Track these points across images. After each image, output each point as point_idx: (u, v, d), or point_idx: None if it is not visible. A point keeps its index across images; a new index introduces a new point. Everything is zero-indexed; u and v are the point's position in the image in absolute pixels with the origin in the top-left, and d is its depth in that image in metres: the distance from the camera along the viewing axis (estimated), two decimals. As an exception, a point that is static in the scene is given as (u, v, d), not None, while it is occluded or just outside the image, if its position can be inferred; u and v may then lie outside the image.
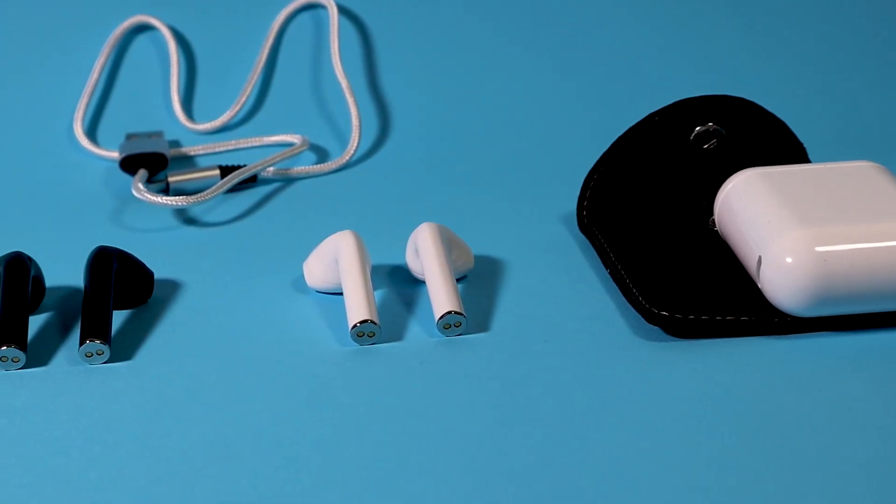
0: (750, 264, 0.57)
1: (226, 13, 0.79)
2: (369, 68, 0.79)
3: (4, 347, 0.55)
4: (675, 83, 0.77)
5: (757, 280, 0.57)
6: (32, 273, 0.59)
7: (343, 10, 0.79)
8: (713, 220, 0.62)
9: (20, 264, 0.58)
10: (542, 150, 0.75)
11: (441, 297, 0.57)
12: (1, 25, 0.77)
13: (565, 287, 0.61)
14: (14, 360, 0.55)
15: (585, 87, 0.78)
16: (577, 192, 0.66)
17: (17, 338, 0.55)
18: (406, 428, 0.51)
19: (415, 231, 0.61)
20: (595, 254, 0.64)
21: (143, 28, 0.79)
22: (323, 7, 0.79)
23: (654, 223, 0.63)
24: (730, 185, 0.61)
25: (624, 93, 0.77)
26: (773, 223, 0.56)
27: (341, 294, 0.59)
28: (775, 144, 0.65)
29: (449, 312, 0.56)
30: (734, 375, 0.54)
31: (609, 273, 0.61)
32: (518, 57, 0.79)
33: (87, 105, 0.76)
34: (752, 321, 0.56)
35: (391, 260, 0.63)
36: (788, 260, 0.55)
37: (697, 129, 0.65)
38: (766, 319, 0.56)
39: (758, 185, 0.60)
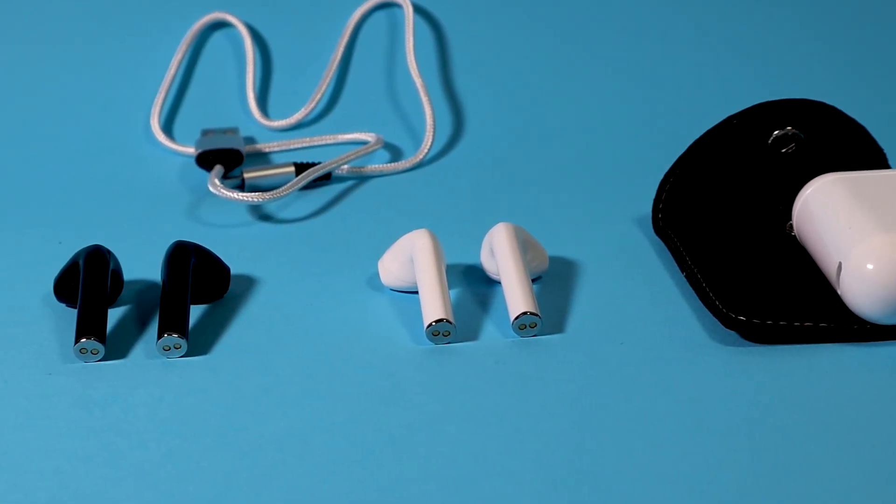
0: (829, 270, 0.57)
1: (302, 11, 0.79)
2: (443, 67, 0.79)
3: (84, 339, 0.55)
4: (754, 86, 0.77)
5: (836, 286, 0.56)
6: (111, 266, 0.59)
7: (418, 9, 0.79)
8: (791, 224, 0.62)
9: (100, 257, 0.59)
10: (618, 152, 0.75)
11: (517, 297, 0.57)
12: (80, 21, 0.78)
13: (640, 290, 0.61)
14: (93, 352, 0.55)
15: (663, 89, 0.78)
16: (653, 195, 0.66)
17: (96, 330, 0.56)
18: (481, 428, 0.51)
19: (490, 231, 0.61)
20: (670, 257, 0.63)
21: (219, 25, 0.79)
22: (398, 6, 0.80)
23: (730, 227, 0.63)
24: (809, 190, 0.61)
25: (702, 95, 0.77)
26: (853, 229, 0.56)
27: (416, 293, 0.59)
28: (855, 149, 0.64)
29: (525, 313, 0.56)
30: (812, 382, 0.53)
31: (685, 276, 0.60)
32: (594, 57, 0.79)
33: (164, 101, 0.77)
34: (831, 328, 0.55)
35: (465, 259, 0.63)
36: (869, 266, 0.54)
37: (776, 132, 0.64)
38: (846, 326, 0.55)
39: (837, 191, 0.59)
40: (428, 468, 0.48)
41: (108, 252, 0.60)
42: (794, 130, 0.64)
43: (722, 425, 0.51)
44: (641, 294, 0.60)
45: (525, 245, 0.60)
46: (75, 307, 0.59)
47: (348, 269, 0.63)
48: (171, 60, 0.78)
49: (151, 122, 0.76)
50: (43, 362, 0.55)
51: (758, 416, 0.51)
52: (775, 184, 0.64)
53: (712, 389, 0.53)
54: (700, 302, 0.59)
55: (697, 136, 0.65)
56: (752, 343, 0.56)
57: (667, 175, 0.66)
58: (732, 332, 0.56)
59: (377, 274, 0.61)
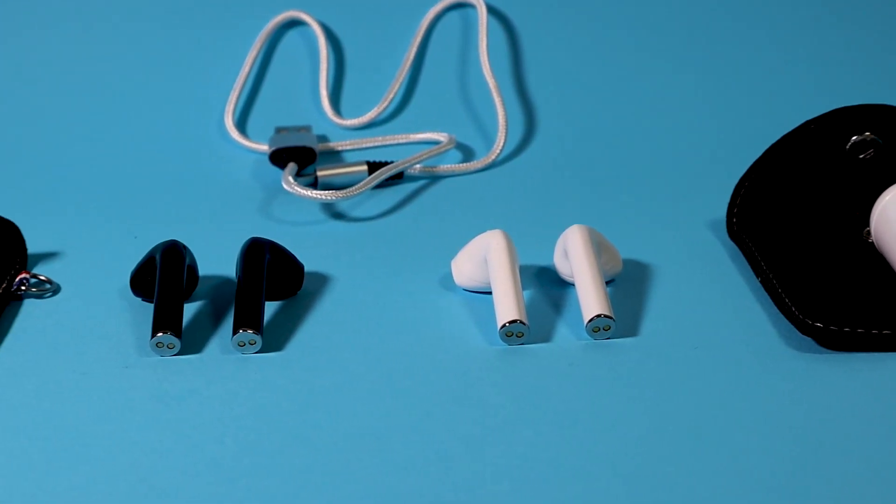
0: (908, 278, 0.56)
1: (375, 10, 0.80)
2: (516, 68, 0.79)
3: (161, 334, 0.56)
4: (833, 90, 0.76)
5: (915, 294, 0.56)
6: (187, 261, 0.60)
7: (492, 10, 0.79)
8: (868, 230, 0.61)
9: (176, 253, 0.60)
10: (692, 155, 0.74)
11: (591, 299, 0.57)
12: (156, 19, 0.79)
13: (715, 294, 0.60)
14: (169, 346, 0.56)
15: (739, 91, 0.77)
16: (727, 199, 0.66)
17: (172, 325, 0.56)
18: (555, 430, 0.51)
19: (564, 233, 0.61)
20: (744, 261, 0.63)
21: (294, 23, 0.80)
22: (472, 6, 0.80)
23: (806, 232, 0.62)
24: (888, 197, 0.60)
25: (779, 98, 0.76)
26: (933, 237, 0.55)
27: (489, 293, 0.59)
28: (935, 156, 0.63)
29: (599, 315, 0.56)
30: (889, 391, 0.52)
31: (760, 282, 0.60)
32: (670, 57, 0.78)
33: (238, 98, 0.77)
34: (910, 336, 0.55)
35: (537, 260, 0.63)
36: (950, 275, 0.54)
37: (854, 138, 0.64)
38: (925, 335, 0.55)
39: (917, 198, 0.59)
40: (502, 469, 0.48)
41: (185, 247, 0.60)
42: (872, 136, 0.63)
43: (796, 432, 0.50)
44: (715, 299, 0.60)
45: (599, 247, 0.60)
46: (151, 301, 0.59)
47: (421, 269, 0.63)
48: (246, 58, 0.78)
49: (226, 119, 0.77)
50: (120, 356, 0.56)
51: (833, 424, 0.51)
52: (853, 189, 0.63)
53: (787, 396, 0.52)
54: (775, 308, 0.58)
55: (774, 140, 0.65)
56: (828, 350, 0.55)
57: (742, 179, 0.65)
58: (808, 339, 0.56)
59: (450, 274, 0.61)
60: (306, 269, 0.62)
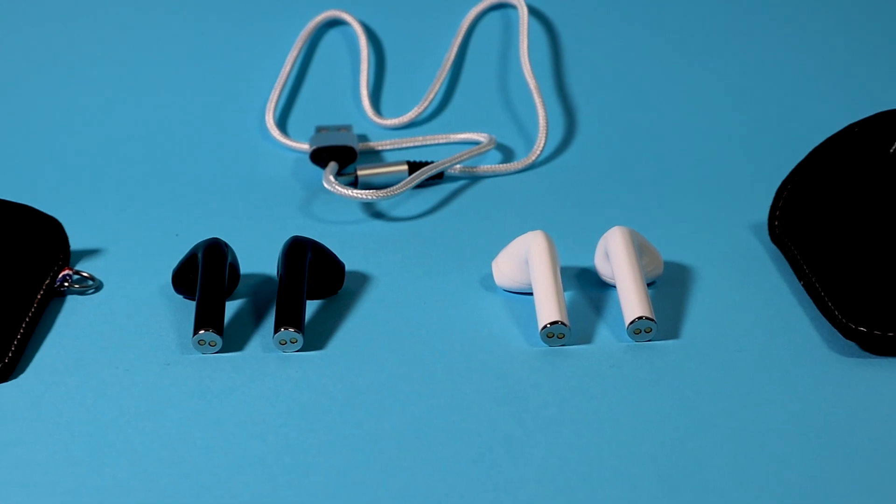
0: (953, 283, 0.56)
1: (416, 10, 0.80)
2: (557, 69, 0.79)
3: (202, 331, 0.56)
4: (877, 94, 0.75)
5: (960, 299, 0.55)
6: (229, 259, 0.60)
7: (533, 11, 0.79)
8: (912, 235, 0.61)
9: (218, 251, 0.60)
10: (734, 157, 0.74)
11: (632, 301, 0.56)
12: (198, 17, 0.79)
13: (756, 297, 0.60)
14: (211, 343, 0.56)
15: (782, 94, 0.77)
16: (769, 202, 0.65)
17: (214, 322, 0.56)
18: (597, 431, 0.51)
19: (605, 234, 0.60)
20: (787, 265, 0.62)
21: (335, 23, 0.80)
22: (513, 7, 0.80)
23: (849, 236, 0.62)
24: (932, 201, 0.60)
25: (822, 101, 0.76)
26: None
27: (530, 294, 0.59)
28: (980, 160, 0.63)
29: (640, 317, 0.56)
30: (933, 396, 0.52)
31: (802, 285, 0.60)
32: (712, 59, 0.78)
33: (279, 97, 0.78)
34: (954, 341, 0.54)
35: (577, 262, 0.63)
36: None
37: (898, 141, 0.63)
38: (969, 340, 0.54)
39: (962, 202, 0.58)
40: (543, 470, 0.48)
41: (226, 245, 0.60)
42: (917, 140, 0.63)
43: (838, 437, 0.50)
44: (757, 302, 0.60)
45: (640, 249, 0.60)
46: (193, 298, 0.60)
47: (461, 269, 0.63)
48: (287, 57, 0.78)
49: (266, 117, 0.77)
50: (162, 352, 0.56)
51: (875, 428, 0.50)
52: (896, 193, 0.63)
53: (829, 400, 0.52)
54: (818, 311, 0.58)
55: (817, 143, 0.64)
56: (871, 354, 0.55)
57: (784, 182, 0.65)
58: (851, 343, 0.56)
59: (490, 274, 0.61)
60: (346, 268, 0.62)
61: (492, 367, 0.55)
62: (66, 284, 0.61)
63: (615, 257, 0.59)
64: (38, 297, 0.60)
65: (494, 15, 0.80)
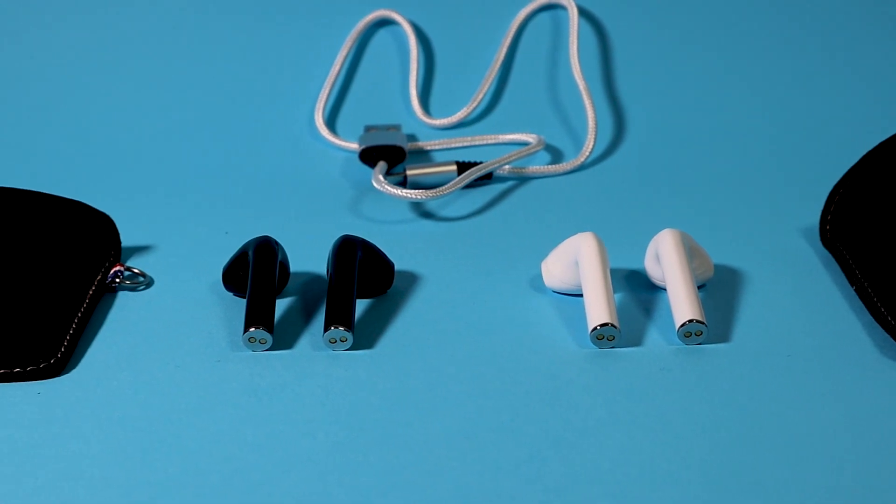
0: None
1: (466, 11, 0.80)
2: (606, 70, 0.79)
3: (253, 329, 0.56)
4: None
5: None
6: (279, 257, 0.60)
7: (582, 12, 0.79)
8: (966, 241, 0.60)
9: (268, 249, 0.60)
10: (784, 159, 0.74)
11: (683, 304, 0.56)
12: (248, 16, 0.79)
13: (808, 301, 0.60)
14: (261, 341, 0.56)
15: (834, 96, 0.76)
16: (820, 205, 0.65)
17: (265, 320, 0.56)
18: (647, 434, 0.50)
19: (656, 236, 0.60)
20: (838, 269, 0.62)
21: (384, 22, 0.80)
22: (563, 7, 0.80)
23: (902, 241, 0.62)
24: None
25: (875, 105, 0.76)
26: None
27: (579, 295, 0.59)
28: None
29: (691, 320, 0.56)
30: None
31: (854, 290, 0.59)
32: (763, 61, 0.78)
33: (328, 96, 0.78)
34: None
35: (627, 264, 0.63)
36: None
37: (953, 146, 0.63)
38: None
39: None
40: (593, 472, 0.48)
41: (277, 243, 0.61)
42: (971, 145, 0.63)
43: (890, 444, 0.50)
44: (808, 306, 0.59)
45: (691, 252, 0.60)
46: (242, 296, 0.60)
47: (510, 270, 0.63)
48: (336, 57, 0.78)
49: (315, 116, 0.77)
50: (212, 349, 0.57)
51: (928, 435, 0.50)
52: (950, 199, 0.63)
53: (881, 406, 0.52)
54: (870, 316, 0.57)
55: (870, 146, 0.64)
56: (924, 361, 0.55)
57: (836, 186, 0.64)
58: (904, 349, 0.55)
59: (539, 275, 0.61)
60: (396, 267, 0.62)
61: (541, 369, 0.55)
62: (117, 280, 0.62)
63: (666, 260, 0.59)
64: (90, 292, 0.60)
65: (544, 16, 0.80)
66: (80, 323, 0.58)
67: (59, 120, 0.76)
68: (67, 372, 0.55)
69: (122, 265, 0.62)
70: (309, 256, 0.63)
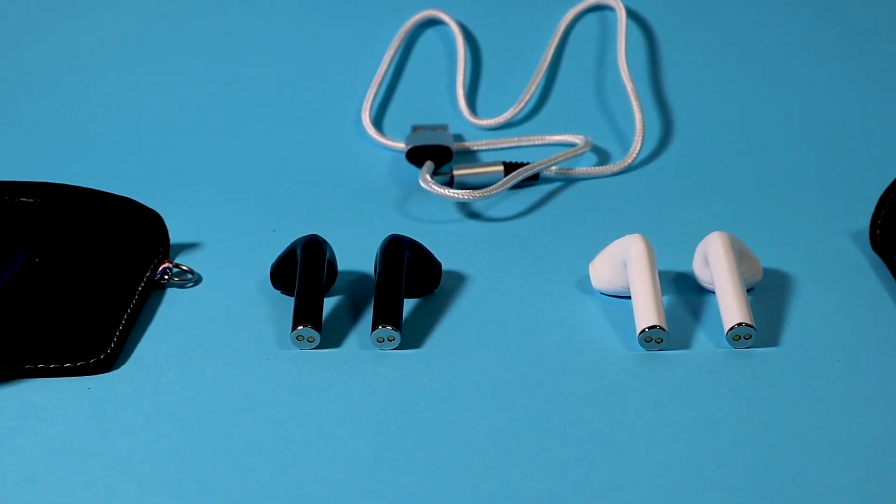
0: None
1: (514, 11, 0.80)
2: (654, 72, 0.78)
3: (301, 327, 0.56)
4: None
5: None
6: (327, 256, 0.60)
7: (630, 13, 0.79)
8: None
9: (317, 247, 0.60)
10: (834, 163, 0.73)
11: (732, 308, 0.56)
12: (296, 16, 0.79)
13: (858, 306, 0.59)
14: (309, 339, 0.56)
15: (885, 100, 0.76)
16: (870, 209, 0.65)
17: (313, 318, 0.57)
18: (695, 438, 0.50)
19: (705, 239, 0.60)
20: (888, 273, 0.62)
21: (432, 22, 0.80)
22: (610, 9, 0.79)
23: (953, 246, 0.61)
24: None
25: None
26: None
27: (627, 297, 0.59)
28: None
29: (740, 324, 0.55)
30: None
31: (905, 295, 0.59)
32: (812, 63, 0.77)
33: (375, 96, 0.78)
34: None
35: (674, 266, 0.63)
36: None
37: None
38: None
39: None
40: (642, 475, 0.48)
41: (325, 242, 0.61)
42: None
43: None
44: (858, 311, 0.59)
45: (740, 255, 0.59)
46: (290, 294, 0.60)
47: (557, 271, 0.63)
48: (384, 56, 0.79)
49: (363, 116, 0.77)
50: (260, 347, 0.57)
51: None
52: None
53: (932, 412, 0.52)
54: (921, 322, 0.57)
55: (922, 151, 0.64)
56: (976, 367, 0.54)
57: (888, 190, 0.64)
58: (956, 355, 0.55)
59: (587, 276, 0.61)
60: (443, 267, 0.62)
61: (589, 371, 0.55)
62: (166, 277, 0.62)
63: (715, 263, 0.58)
64: (140, 289, 0.60)
65: (592, 16, 0.80)
66: (129, 319, 0.58)
67: (110, 117, 0.77)
68: (117, 368, 0.56)
69: (171, 262, 0.62)
70: (356, 255, 0.63)
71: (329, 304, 0.60)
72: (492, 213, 0.70)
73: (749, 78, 0.77)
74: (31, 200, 0.65)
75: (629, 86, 0.76)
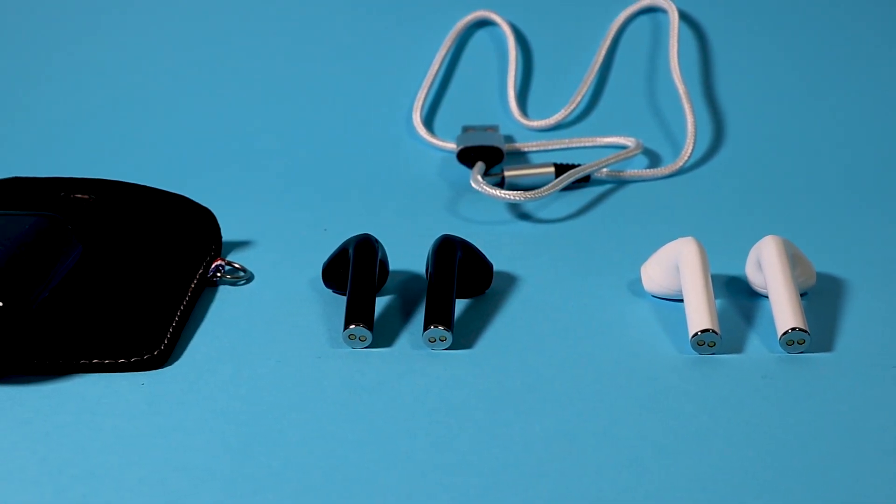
0: None
1: (565, 12, 0.80)
2: (706, 74, 0.78)
3: (353, 326, 0.56)
4: None
5: None
6: (379, 256, 0.60)
7: (683, 15, 0.79)
8: None
9: (369, 246, 0.60)
10: (888, 166, 0.73)
11: (786, 312, 0.56)
12: (348, 15, 0.80)
13: (912, 312, 0.59)
14: (361, 338, 0.57)
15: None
16: (926, 215, 0.64)
17: (365, 318, 0.57)
18: (748, 443, 0.50)
19: (758, 243, 0.60)
20: (944, 280, 0.61)
21: (483, 23, 0.80)
22: (663, 11, 0.79)
23: None
24: None
25: None
26: None
27: (679, 300, 0.59)
28: None
29: (794, 329, 0.55)
30: None
31: (961, 302, 0.59)
32: (865, 66, 0.77)
33: (426, 96, 0.78)
34: None
35: (726, 270, 0.62)
36: None
37: None
38: None
39: None
40: (694, 479, 0.48)
41: (377, 241, 0.61)
42: None
43: None
44: (913, 317, 0.58)
45: (794, 260, 0.59)
46: (342, 293, 0.60)
47: (608, 273, 0.63)
48: (435, 57, 0.79)
49: (413, 116, 0.77)
50: (312, 345, 0.57)
51: None
52: None
53: None
54: (977, 329, 0.57)
55: (978, 157, 0.63)
56: None
57: (943, 196, 0.64)
58: None
59: (638, 279, 0.61)
60: (494, 267, 0.62)
61: (641, 374, 0.54)
62: (218, 275, 0.62)
63: (768, 267, 0.58)
64: (192, 286, 0.61)
65: (644, 18, 0.80)
66: (182, 316, 0.59)
67: (165, 115, 0.77)
68: (170, 364, 0.56)
69: (224, 260, 0.63)
70: (406, 255, 0.64)
71: (381, 303, 0.60)
72: (542, 214, 0.70)
73: (802, 80, 0.77)
74: (87, 197, 0.65)
75: (681, 88, 0.76)
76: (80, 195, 0.65)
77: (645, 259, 0.61)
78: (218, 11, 0.79)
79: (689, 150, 0.74)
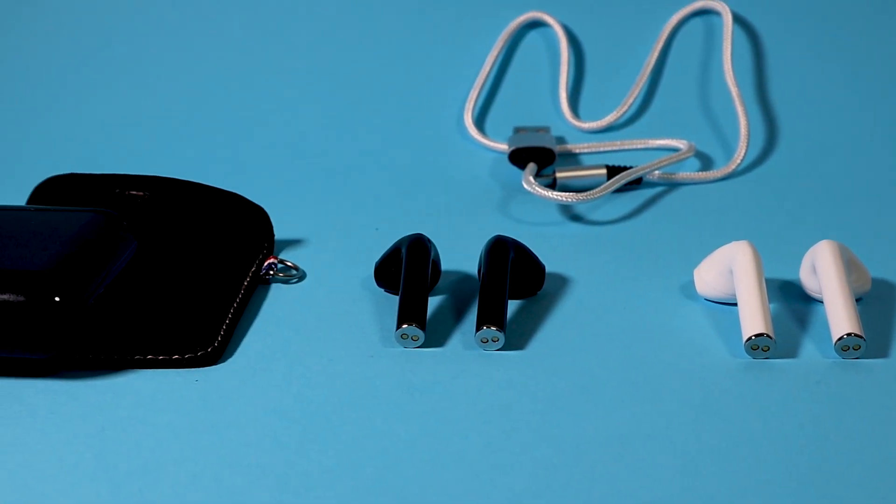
0: None
1: (618, 14, 0.79)
2: (759, 77, 0.78)
3: (406, 325, 0.56)
4: None
5: None
6: (432, 255, 0.61)
7: (736, 18, 0.78)
8: None
9: (422, 246, 0.60)
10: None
11: (841, 317, 0.55)
12: (401, 16, 0.80)
13: (969, 319, 0.58)
14: (414, 338, 0.57)
15: None
16: (982, 221, 0.64)
17: (418, 317, 0.57)
18: (803, 448, 0.50)
19: (813, 248, 0.59)
20: None
21: (536, 24, 0.80)
22: (716, 13, 0.79)
23: None
24: None
25: None
26: None
27: (733, 304, 0.58)
28: None
29: (849, 334, 0.55)
30: None
31: None
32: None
33: (478, 97, 0.78)
34: None
35: (780, 274, 0.62)
36: None
37: None
38: None
39: None
40: (749, 484, 0.48)
41: (430, 241, 0.61)
42: None
43: None
44: (970, 324, 0.58)
45: (849, 265, 0.59)
46: (394, 292, 0.61)
47: (661, 276, 0.62)
48: (487, 57, 0.79)
49: (465, 116, 0.77)
50: (364, 344, 0.57)
51: None
52: None
53: None
54: None
55: None
56: None
57: None
58: None
59: (691, 282, 0.61)
60: (546, 269, 0.62)
61: (694, 377, 0.54)
62: (271, 273, 0.63)
63: (823, 272, 0.58)
64: (245, 283, 0.61)
65: (697, 20, 0.79)
66: (235, 313, 0.59)
67: (219, 114, 0.78)
68: (224, 361, 0.56)
69: (276, 258, 0.63)
70: (458, 255, 0.64)
71: (433, 303, 0.60)
72: (594, 216, 0.70)
73: (856, 82, 0.76)
74: (141, 194, 0.66)
75: (734, 91, 0.76)
76: (134, 192, 0.66)
77: (697, 262, 0.61)
78: (272, 12, 0.80)
79: (742, 153, 0.74)
